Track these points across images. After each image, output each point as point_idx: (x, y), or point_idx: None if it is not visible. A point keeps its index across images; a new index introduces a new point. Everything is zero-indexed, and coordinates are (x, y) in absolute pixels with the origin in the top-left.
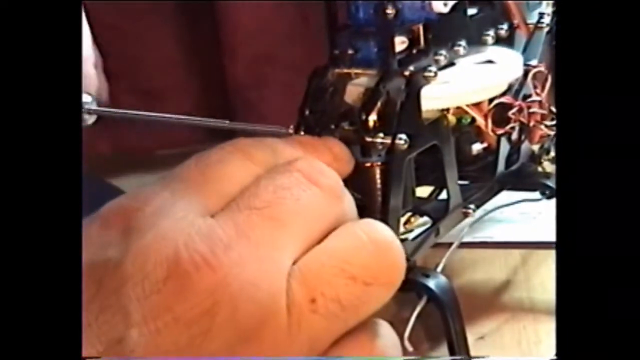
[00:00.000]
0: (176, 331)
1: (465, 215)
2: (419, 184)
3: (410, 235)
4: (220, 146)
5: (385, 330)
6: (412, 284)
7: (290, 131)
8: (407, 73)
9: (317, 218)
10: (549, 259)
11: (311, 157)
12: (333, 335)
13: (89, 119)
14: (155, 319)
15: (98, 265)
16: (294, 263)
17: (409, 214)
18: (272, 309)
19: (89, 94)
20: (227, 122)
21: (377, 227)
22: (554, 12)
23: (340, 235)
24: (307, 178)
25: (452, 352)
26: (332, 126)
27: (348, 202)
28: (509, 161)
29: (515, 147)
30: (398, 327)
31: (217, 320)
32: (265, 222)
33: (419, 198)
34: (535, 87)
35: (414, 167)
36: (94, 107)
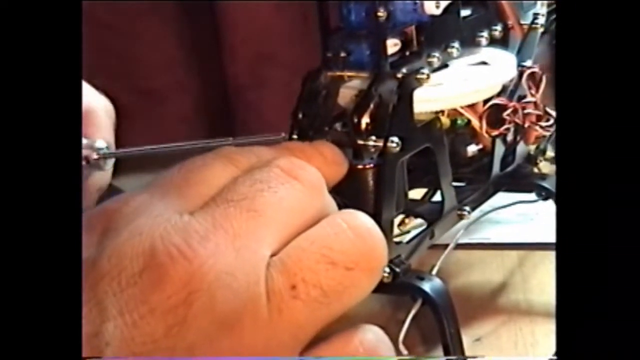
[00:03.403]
0: (152, 322)
1: (461, 217)
2: (414, 187)
3: (405, 238)
4: (206, 154)
5: (377, 331)
6: (406, 287)
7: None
8: (399, 75)
9: (297, 211)
10: (546, 260)
11: (292, 156)
12: (316, 323)
13: (106, 165)
14: (131, 312)
15: None
16: (275, 254)
17: (403, 215)
18: (250, 297)
19: (105, 141)
20: (231, 138)
21: (356, 215)
22: (548, 13)
23: (321, 224)
24: (287, 173)
25: (447, 354)
26: (325, 129)
27: (329, 197)
28: (504, 162)
29: (510, 149)
30: (393, 329)
31: (193, 310)
32: (243, 213)
33: (412, 200)
34: (530, 88)
35: (409, 170)
36: (109, 151)
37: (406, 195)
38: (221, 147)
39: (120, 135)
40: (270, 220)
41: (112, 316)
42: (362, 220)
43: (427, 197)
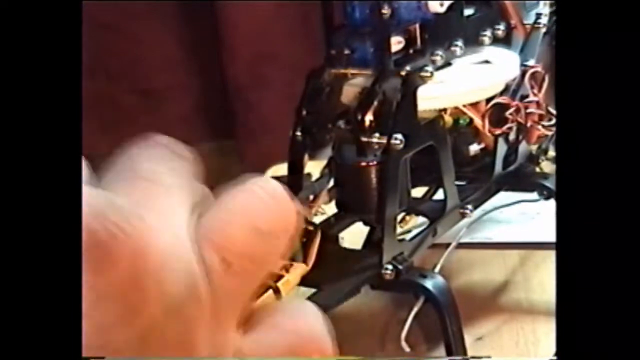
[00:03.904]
0: (103, 308)
1: (463, 215)
2: (417, 185)
3: (408, 236)
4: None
5: (311, 308)
6: (409, 284)
7: None
8: (403, 73)
9: (190, 182)
10: (548, 259)
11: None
12: (248, 290)
13: None
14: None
15: None
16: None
17: (404, 213)
18: (191, 278)
19: None
20: None
21: (269, 181)
22: (551, 13)
23: (237, 194)
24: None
25: (449, 352)
26: (329, 126)
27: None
28: (506, 162)
29: (512, 148)
30: (395, 327)
31: (143, 295)
32: (159, 190)
33: (415, 198)
34: (532, 87)
35: (412, 168)
36: None
37: (409, 193)
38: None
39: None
40: (179, 194)
41: None
42: (275, 185)
43: (429, 195)
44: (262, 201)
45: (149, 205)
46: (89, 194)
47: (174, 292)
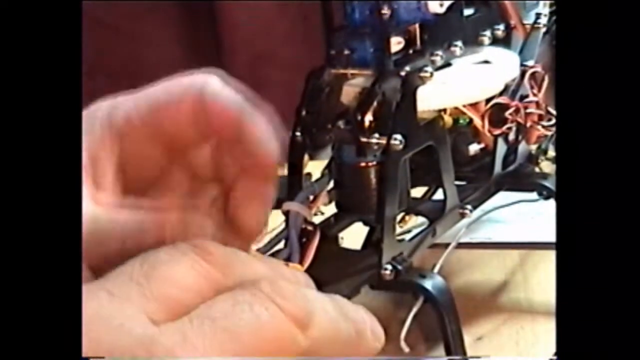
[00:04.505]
0: None
1: (463, 215)
2: (416, 185)
3: (408, 236)
4: (175, 244)
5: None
6: (408, 284)
7: None
8: (403, 73)
9: (278, 344)
10: (547, 259)
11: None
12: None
13: None
14: None
15: None
16: None
17: (403, 213)
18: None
19: None
20: None
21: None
22: (551, 13)
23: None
24: (271, 299)
25: (448, 352)
26: (329, 126)
27: (318, 333)
28: (506, 162)
29: (512, 148)
30: (394, 327)
31: None
32: (218, 333)
33: (414, 198)
34: (532, 87)
35: (411, 168)
36: None
37: (409, 193)
38: (194, 240)
39: None
40: (246, 346)
41: None
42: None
43: (428, 195)
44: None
45: (196, 344)
46: (121, 326)
47: None
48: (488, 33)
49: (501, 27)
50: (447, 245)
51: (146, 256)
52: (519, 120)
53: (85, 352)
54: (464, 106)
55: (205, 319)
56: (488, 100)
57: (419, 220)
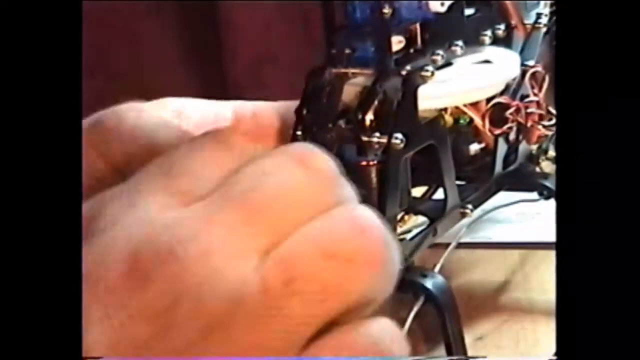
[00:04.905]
0: (134, 327)
1: (463, 215)
2: (417, 184)
3: (408, 236)
4: (195, 138)
5: (385, 325)
6: (409, 284)
7: None
8: (404, 72)
9: (302, 204)
10: (548, 259)
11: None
12: (314, 320)
13: None
14: (112, 317)
15: None
16: (272, 249)
17: (402, 213)
18: (240, 294)
19: None
20: None
21: (358, 208)
22: (551, 13)
23: (319, 218)
24: (298, 160)
25: (449, 353)
26: (329, 125)
27: (343, 189)
28: (506, 161)
29: (513, 148)
30: None
31: (178, 315)
32: (239, 208)
33: (414, 198)
34: (532, 87)
35: (412, 168)
36: None
37: (409, 192)
38: (217, 130)
39: None
40: (271, 215)
41: (96, 319)
42: (363, 213)
43: (428, 194)
44: (344, 228)
45: (220, 221)
46: (143, 218)
47: (215, 311)
48: (489, 33)
49: (502, 26)
50: (447, 244)
51: (169, 151)
52: (520, 120)
53: (109, 240)
54: (465, 105)
55: (229, 197)
56: (489, 100)
57: (420, 220)
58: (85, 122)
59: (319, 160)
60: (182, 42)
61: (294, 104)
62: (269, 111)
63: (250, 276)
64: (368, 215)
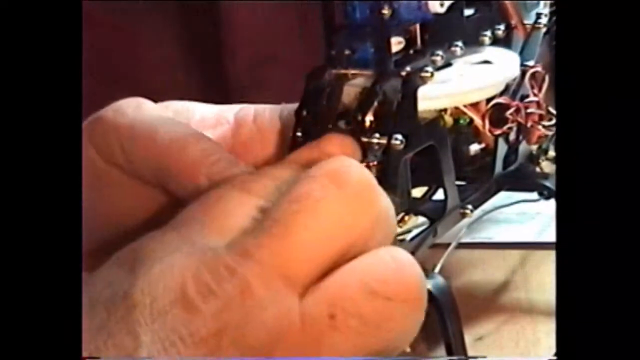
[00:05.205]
0: (183, 350)
1: (463, 215)
2: (417, 185)
3: (408, 236)
4: (218, 186)
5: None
6: None
7: None
8: (403, 73)
9: (339, 230)
10: (548, 259)
11: (339, 156)
12: (354, 353)
13: None
14: (163, 340)
15: (106, 297)
16: (313, 279)
17: (403, 213)
18: (282, 328)
19: None
20: None
21: (398, 249)
22: (551, 13)
23: (362, 257)
24: (331, 180)
25: (449, 353)
26: (329, 126)
27: (382, 205)
28: (507, 162)
29: (513, 148)
30: None
31: (224, 342)
32: (273, 242)
33: (414, 198)
34: (532, 87)
35: (412, 168)
36: None
37: (409, 193)
38: (233, 177)
39: None
40: (304, 246)
41: (144, 343)
42: (403, 253)
43: (428, 195)
44: (387, 266)
45: (256, 257)
46: (186, 256)
47: (258, 341)
48: (489, 33)
49: (502, 27)
50: (447, 245)
51: (200, 199)
52: (520, 120)
53: (157, 273)
54: (465, 106)
55: (262, 230)
56: (488, 100)
57: (419, 220)
58: (86, 120)
59: (353, 176)
60: (182, 41)
61: (294, 106)
62: (270, 115)
63: (292, 311)
64: (408, 256)
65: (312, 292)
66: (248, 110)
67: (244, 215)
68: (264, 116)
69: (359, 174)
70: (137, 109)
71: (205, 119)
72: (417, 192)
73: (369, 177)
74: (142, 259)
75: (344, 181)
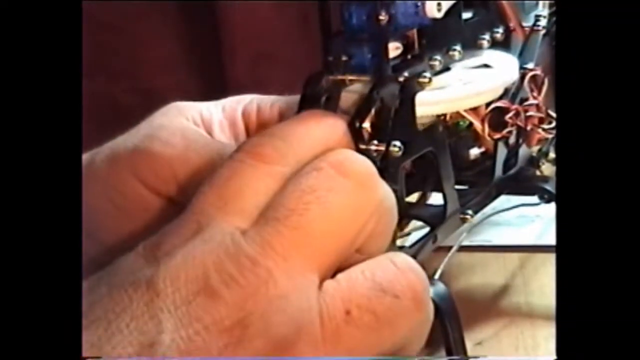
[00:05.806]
0: (207, 339)
1: (463, 220)
2: (416, 190)
3: (407, 242)
4: (228, 157)
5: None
6: None
7: None
8: (401, 79)
9: (349, 217)
10: (548, 262)
11: (340, 146)
12: (368, 350)
13: None
14: (186, 327)
15: (128, 284)
16: (327, 272)
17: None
18: (304, 321)
19: None
20: None
21: (399, 254)
22: (550, 15)
23: (369, 260)
24: (337, 171)
25: (450, 358)
26: None
27: (383, 192)
28: (507, 165)
29: (513, 151)
30: None
31: (248, 332)
32: (291, 232)
33: (410, 203)
34: (532, 90)
35: (411, 173)
36: None
37: (403, 199)
38: (243, 144)
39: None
40: (319, 236)
41: (167, 329)
42: (405, 257)
43: (423, 199)
44: (390, 268)
45: (275, 247)
46: (208, 243)
47: (281, 332)
48: (487, 36)
49: (500, 30)
50: (448, 248)
51: (210, 180)
52: (519, 123)
53: (179, 263)
54: (464, 110)
55: (278, 220)
56: (488, 104)
57: (418, 223)
58: (119, 146)
59: (357, 165)
60: (181, 41)
61: (294, 98)
62: (281, 103)
63: (313, 304)
64: (408, 260)
65: (326, 288)
66: (263, 99)
67: (261, 189)
68: (281, 104)
69: (363, 164)
70: (184, 136)
71: (223, 127)
72: (415, 196)
73: (371, 166)
74: (164, 250)
75: (349, 171)
